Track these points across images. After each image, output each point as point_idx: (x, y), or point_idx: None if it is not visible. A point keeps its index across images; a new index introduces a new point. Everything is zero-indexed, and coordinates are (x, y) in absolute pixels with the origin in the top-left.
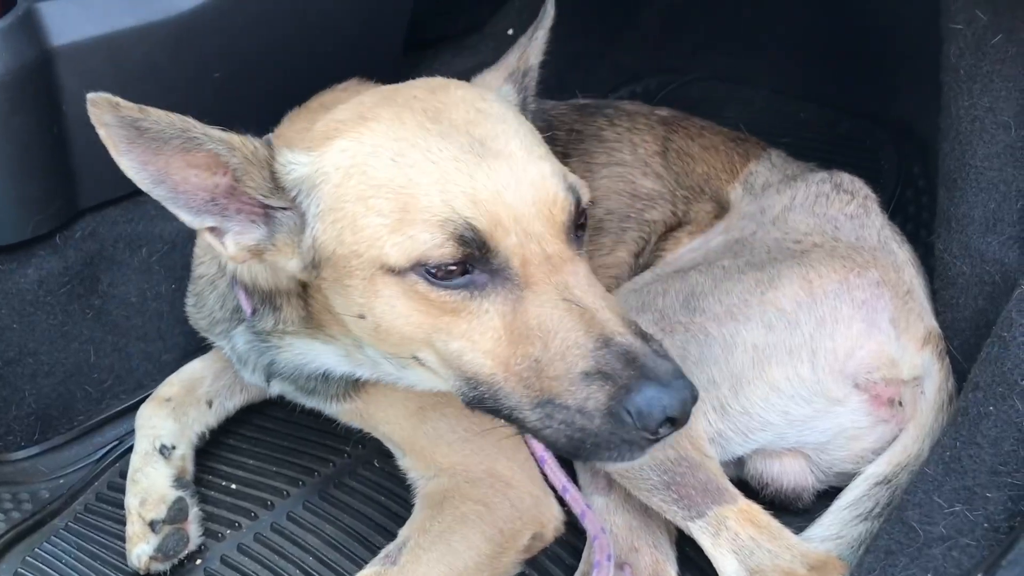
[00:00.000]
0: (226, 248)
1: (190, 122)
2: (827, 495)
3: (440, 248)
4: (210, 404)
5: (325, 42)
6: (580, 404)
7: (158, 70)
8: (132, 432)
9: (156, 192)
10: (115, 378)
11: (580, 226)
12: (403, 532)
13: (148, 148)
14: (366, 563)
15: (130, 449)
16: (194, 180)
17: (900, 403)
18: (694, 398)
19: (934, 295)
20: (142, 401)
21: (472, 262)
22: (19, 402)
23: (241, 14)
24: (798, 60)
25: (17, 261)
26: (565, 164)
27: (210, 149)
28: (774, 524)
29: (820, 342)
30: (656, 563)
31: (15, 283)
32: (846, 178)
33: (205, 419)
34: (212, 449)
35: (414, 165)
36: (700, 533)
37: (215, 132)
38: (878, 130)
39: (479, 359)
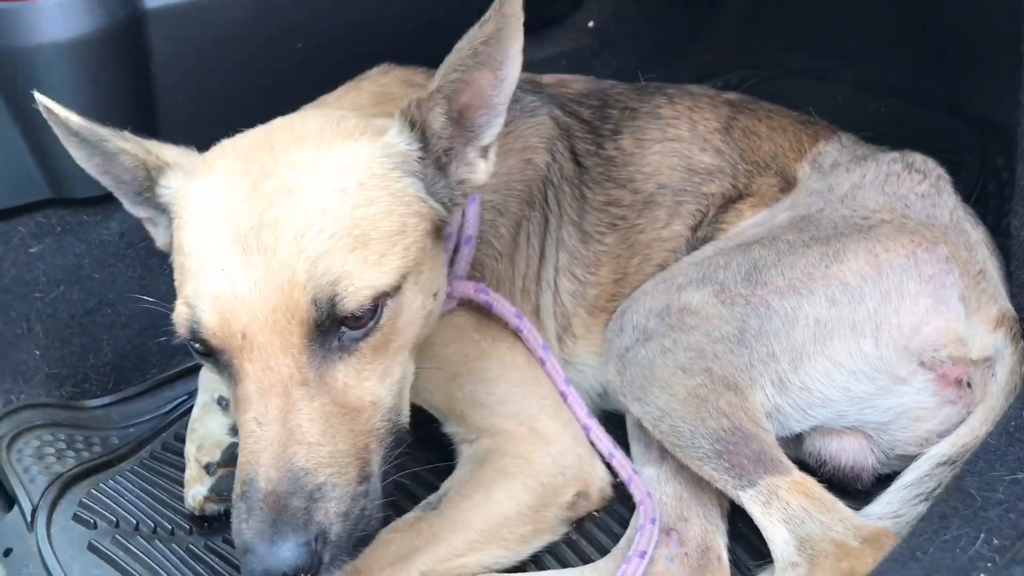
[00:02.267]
0: (157, 238)
1: (102, 133)
2: (886, 480)
3: (181, 327)
4: None
5: (404, 23)
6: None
7: (243, 37)
8: None
9: (103, 180)
10: None
11: (355, 325)
12: (444, 484)
13: (85, 145)
14: None
15: None
16: (130, 174)
17: (968, 384)
18: (286, 573)
19: (1010, 277)
20: None
21: (209, 350)
22: (97, 351)
23: None
24: (879, 55)
25: (101, 214)
26: (614, 140)
27: (121, 160)
28: (827, 496)
29: (885, 317)
30: (705, 533)
31: (98, 234)
32: (918, 158)
33: None
34: None
35: (196, 241)
36: (751, 502)
37: (124, 144)
38: (960, 124)
39: None
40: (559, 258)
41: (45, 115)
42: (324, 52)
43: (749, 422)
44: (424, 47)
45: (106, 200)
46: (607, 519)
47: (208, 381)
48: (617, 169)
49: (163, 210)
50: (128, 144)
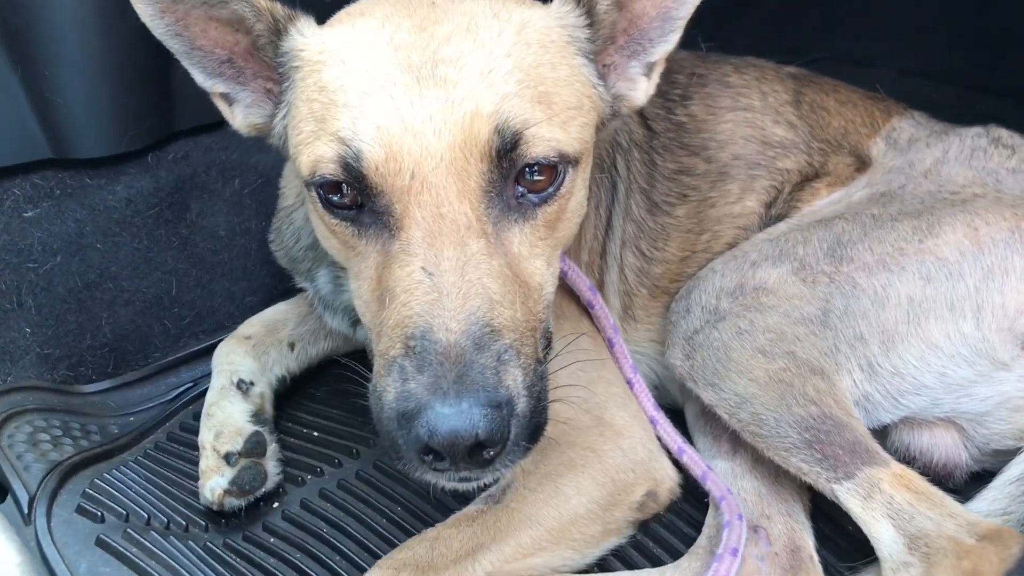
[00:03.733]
0: (234, 118)
1: None
2: (978, 479)
3: (327, 164)
4: (292, 347)
5: None
6: (381, 391)
7: None
8: (208, 375)
9: (172, 44)
10: (195, 315)
11: (533, 186)
12: (506, 475)
13: None
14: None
15: (205, 392)
16: (214, 35)
17: None
18: (478, 436)
19: None
20: (220, 343)
21: (362, 196)
22: (95, 331)
23: None
24: (927, 39)
25: (107, 177)
26: (684, 106)
27: (233, 9)
28: (934, 490)
29: (987, 296)
30: (791, 531)
31: (103, 199)
32: (1004, 132)
33: (286, 362)
34: (293, 397)
35: (352, 73)
36: (848, 496)
37: None
38: (1020, 109)
39: (360, 305)
40: (626, 230)
41: None
42: None
43: (839, 409)
44: None
45: (113, 162)
46: (674, 519)
47: (225, 363)
48: (689, 136)
49: (270, 70)
50: None
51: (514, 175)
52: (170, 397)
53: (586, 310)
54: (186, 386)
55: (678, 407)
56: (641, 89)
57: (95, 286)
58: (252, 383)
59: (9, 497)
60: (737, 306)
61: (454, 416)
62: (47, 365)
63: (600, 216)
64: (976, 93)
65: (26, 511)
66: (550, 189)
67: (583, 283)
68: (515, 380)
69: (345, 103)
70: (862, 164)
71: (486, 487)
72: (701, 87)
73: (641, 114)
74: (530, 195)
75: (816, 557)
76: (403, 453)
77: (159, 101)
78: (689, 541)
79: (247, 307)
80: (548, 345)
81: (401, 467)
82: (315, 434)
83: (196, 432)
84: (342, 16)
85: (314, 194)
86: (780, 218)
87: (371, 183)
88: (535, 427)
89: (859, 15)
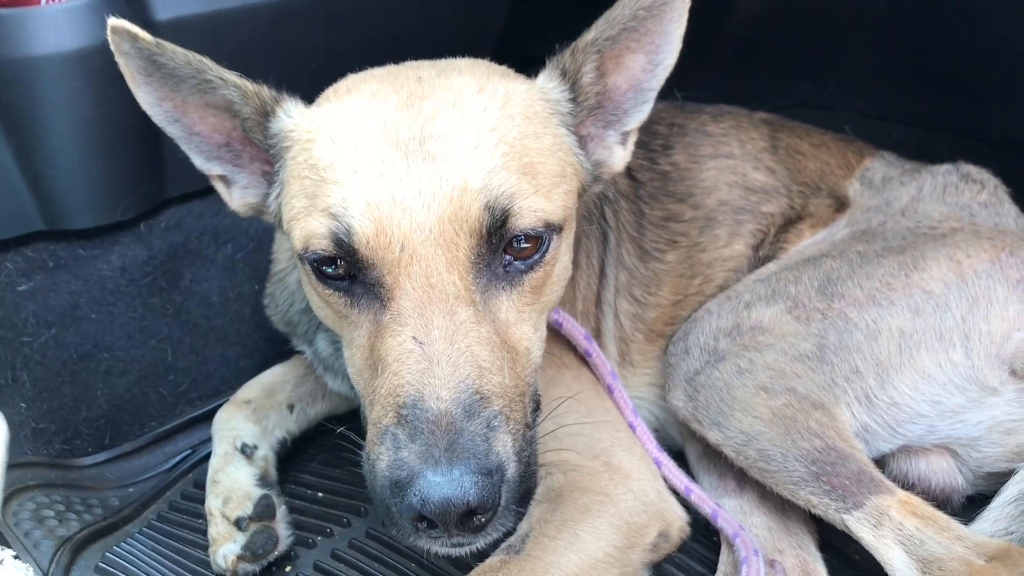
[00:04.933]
0: (231, 199)
1: (206, 63)
2: (972, 503)
3: (319, 240)
4: (291, 409)
5: (416, 47)
6: (374, 459)
7: (256, 54)
8: (206, 441)
9: (171, 130)
10: (191, 382)
11: (520, 254)
12: (522, 526)
13: (165, 84)
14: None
15: (204, 459)
16: (211, 121)
17: None
18: (469, 504)
19: None
20: (217, 409)
21: (353, 268)
22: (90, 402)
23: (341, 7)
24: (886, 82)
25: (100, 247)
26: (666, 156)
27: (223, 94)
28: (939, 515)
29: (973, 325)
30: (804, 563)
31: (97, 269)
32: (972, 169)
33: (286, 424)
34: (295, 459)
35: (342, 150)
36: (858, 525)
37: (230, 76)
38: (981, 148)
39: (354, 373)
40: (618, 278)
41: (117, 41)
42: (341, 72)
43: (842, 441)
44: None
45: (106, 231)
46: (685, 559)
47: (226, 428)
48: (674, 184)
49: (263, 152)
50: (236, 76)
51: (502, 246)
52: (168, 466)
53: (584, 359)
54: (184, 454)
55: (679, 448)
56: (619, 156)
57: (90, 357)
58: (256, 447)
59: None
60: (736, 346)
61: (446, 484)
62: (43, 440)
63: (592, 265)
64: (936, 133)
65: None
66: (536, 256)
67: (579, 333)
68: (504, 446)
69: (335, 180)
70: (840, 205)
71: (480, 552)
72: (682, 137)
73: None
74: (516, 263)
75: None
76: (397, 520)
77: (151, 169)
78: None
79: (242, 371)
80: (536, 408)
81: (395, 533)
82: (320, 495)
83: (198, 500)
84: (329, 94)
85: (308, 267)
86: (768, 259)
87: (362, 257)
88: (525, 491)
89: (815, 61)
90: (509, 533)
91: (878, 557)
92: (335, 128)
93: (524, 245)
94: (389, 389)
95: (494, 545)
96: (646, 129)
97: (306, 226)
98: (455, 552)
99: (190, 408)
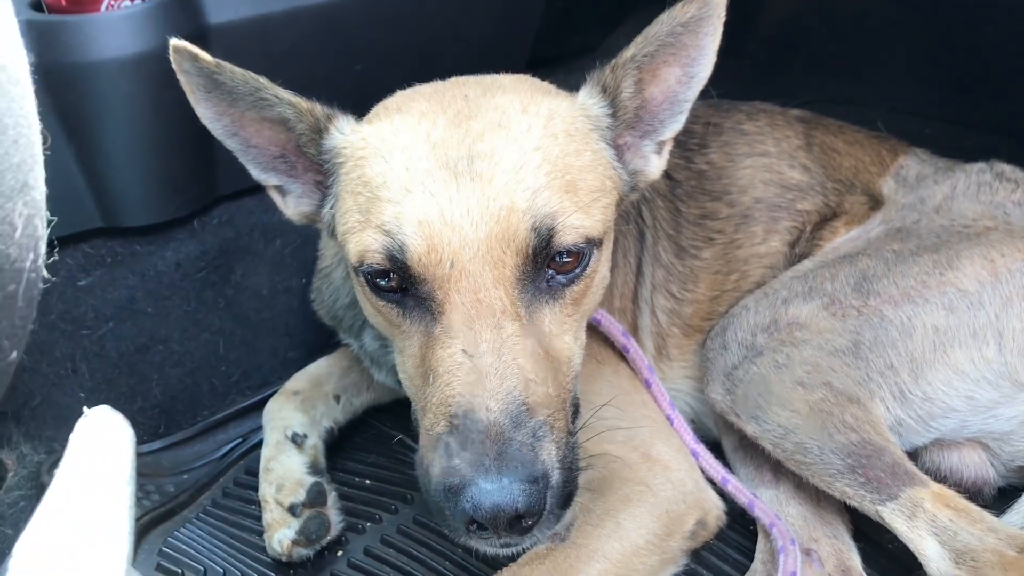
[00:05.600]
0: (287, 208)
1: (262, 82)
2: (1004, 495)
3: (374, 255)
4: (337, 399)
5: (457, 49)
6: (428, 464)
7: (304, 57)
8: (256, 429)
9: (229, 143)
10: (242, 373)
11: (562, 268)
12: (566, 515)
13: (223, 100)
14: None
15: (255, 447)
16: (267, 134)
17: None
18: (518, 510)
19: None
20: (266, 399)
21: (406, 282)
22: (145, 393)
23: (385, 10)
24: (916, 78)
25: (156, 244)
26: (703, 154)
27: (278, 111)
28: (972, 507)
29: (1007, 322)
30: (840, 553)
31: (153, 265)
32: (1007, 167)
33: (333, 414)
34: (342, 448)
35: (394, 169)
36: (893, 517)
37: (284, 95)
38: (1010, 144)
39: (405, 380)
40: (655, 274)
41: (179, 60)
42: (385, 72)
43: (877, 435)
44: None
45: (161, 228)
46: (723, 547)
47: (277, 418)
48: (710, 182)
49: (316, 166)
50: (291, 95)
51: (546, 263)
52: (221, 454)
53: (622, 355)
54: (235, 442)
55: (715, 439)
56: (654, 165)
57: (146, 349)
58: (305, 435)
59: None
60: (773, 341)
61: (496, 492)
62: None
63: (630, 264)
64: (965, 129)
65: None
66: (577, 270)
67: (616, 329)
68: (549, 455)
69: (388, 198)
70: (875, 202)
71: (524, 551)
72: (717, 136)
73: None
74: (559, 277)
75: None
76: (450, 522)
77: (203, 168)
78: (740, 567)
79: (290, 362)
80: (576, 413)
81: (448, 533)
82: (367, 482)
83: (251, 487)
84: (380, 111)
85: (362, 279)
86: (804, 256)
87: (414, 272)
88: (567, 495)
89: (845, 58)
90: None
91: (912, 548)
92: (386, 147)
93: (566, 260)
94: (441, 399)
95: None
96: (682, 129)
97: (360, 241)
98: (503, 552)
99: (241, 398)
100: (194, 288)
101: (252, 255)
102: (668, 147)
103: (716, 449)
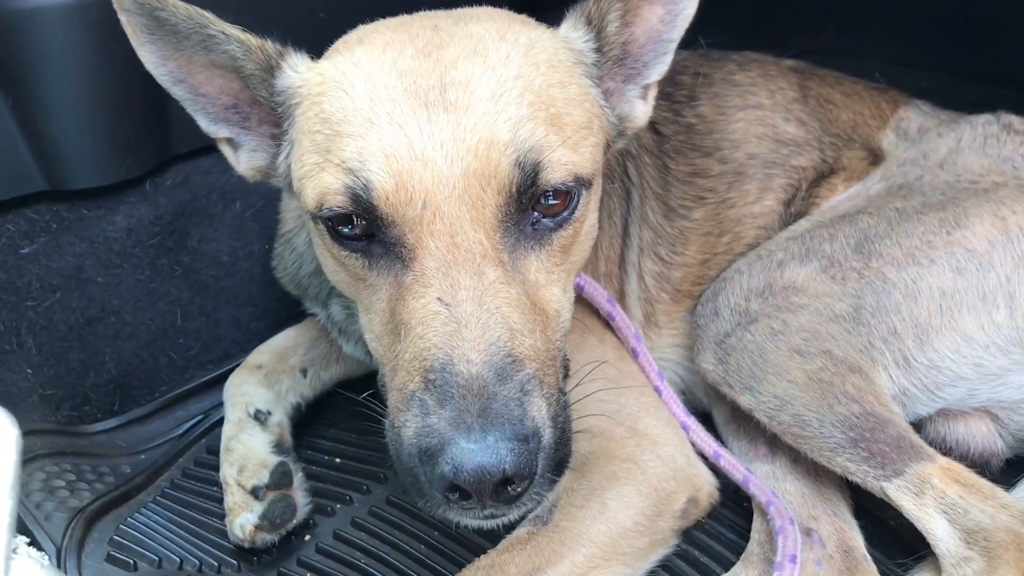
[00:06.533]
0: (239, 163)
1: (208, 17)
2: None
3: (335, 196)
4: (304, 373)
5: None
6: (400, 427)
7: (263, 5)
8: (218, 406)
9: (176, 91)
10: (202, 345)
11: (548, 211)
12: (556, 486)
13: (168, 42)
14: (506, 532)
15: (217, 424)
16: (218, 82)
17: None
18: (506, 472)
19: None
20: (229, 373)
21: (372, 227)
22: (98, 368)
23: None
24: (913, 29)
25: (105, 208)
26: (692, 107)
27: (227, 50)
28: (983, 483)
29: (1018, 284)
30: (841, 531)
31: (102, 231)
32: (1015, 119)
33: (300, 389)
34: (310, 425)
35: (357, 101)
36: (899, 493)
37: (232, 31)
38: (1013, 94)
39: (372, 340)
40: (643, 237)
41: None
42: (347, 24)
43: (880, 406)
44: None
45: (110, 191)
46: (716, 525)
47: (238, 394)
48: (700, 137)
49: (270, 111)
50: (239, 30)
51: (531, 203)
52: (180, 432)
53: (607, 323)
54: (196, 419)
55: (705, 410)
56: (640, 111)
57: (97, 321)
58: (269, 412)
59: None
60: (768, 307)
61: (480, 451)
62: (51, 406)
63: (615, 225)
64: (965, 81)
65: (55, 564)
66: (565, 213)
67: (600, 296)
68: (540, 411)
69: (350, 133)
70: (875, 157)
71: (510, 525)
72: (707, 87)
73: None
74: (545, 220)
75: (868, 557)
76: (425, 491)
77: (155, 125)
78: (734, 547)
79: (254, 333)
80: (566, 373)
81: (423, 505)
82: (337, 460)
83: (212, 467)
84: (339, 46)
85: (321, 227)
86: (800, 216)
87: (381, 213)
88: (561, 459)
89: (842, 7)
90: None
91: (919, 527)
92: (348, 79)
93: (553, 202)
94: (414, 353)
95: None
96: (670, 79)
97: (320, 182)
98: (487, 524)
99: (201, 372)
100: (147, 255)
101: (210, 219)
102: (653, 92)
103: (707, 422)
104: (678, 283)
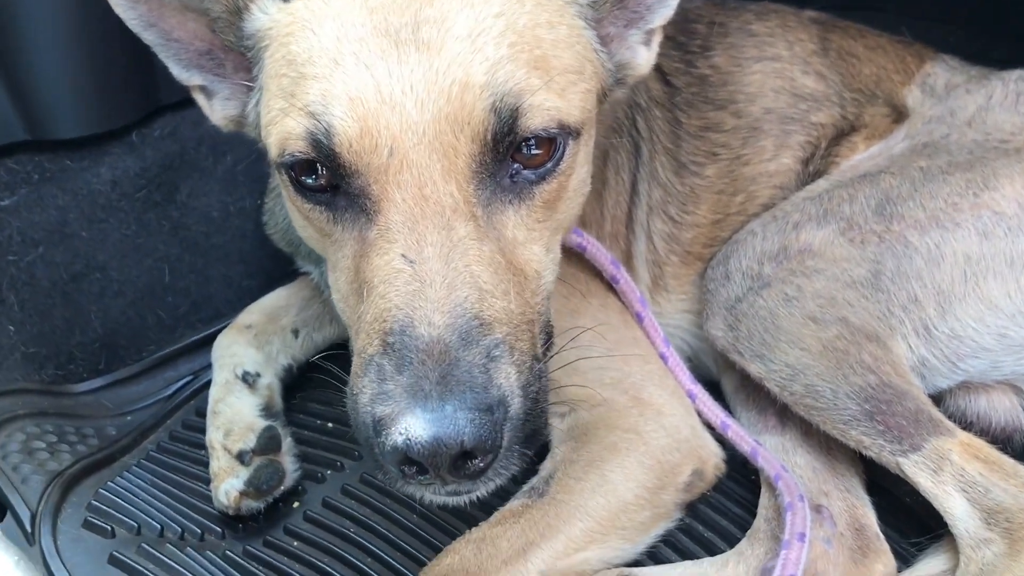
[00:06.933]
0: (212, 112)
1: None
2: None
3: (296, 141)
4: (296, 334)
5: None
6: (356, 393)
7: None
8: (208, 367)
9: (146, 36)
10: (191, 304)
11: (530, 162)
12: (545, 466)
13: None
14: (501, 503)
15: (206, 386)
16: (191, 27)
17: None
18: (464, 444)
19: None
20: (219, 332)
21: (336, 177)
22: (83, 326)
23: None
24: None
25: (89, 159)
26: (706, 58)
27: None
28: (1006, 459)
29: None
30: (853, 508)
31: (86, 183)
32: None
33: (291, 350)
34: (302, 388)
35: (323, 41)
36: (915, 470)
37: None
38: None
39: (339, 300)
40: (652, 195)
41: None
42: None
43: (898, 377)
44: None
45: (95, 141)
46: (721, 499)
47: (226, 355)
48: (714, 90)
49: (240, 55)
50: None
51: (509, 152)
52: (169, 393)
53: (611, 286)
54: (185, 380)
55: (714, 378)
56: (643, 58)
57: (82, 277)
58: (258, 375)
59: (8, 514)
60: (782, 271)
61: (436, 421)
62: (34, 365)
63: (623, 181)
64: (991, 37)
65: (29, 529)
66: (548, 164)
67: (604, 257)
68: (508, 378)
69: (315, 74)
70: (898, 114)
71: (480, 500)
72: (723, 37)
73: (659, 69)
74: (526, 172)
75: (881, 535)
76: (381, 463)
77: (141, 72)
78: (739, 521)
79: (245, 292)
80: (549, 340)
81: (382, 478)
82: (329, 425)
83: (200, 430)
84: None
85: (285, 176)
86: (818, 175)
87: (344, 161)
88: (532, 431)
89: None
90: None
91: (937, 505)
92: (317, 17)
93: (535, 152)
94: (375, 314)
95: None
96: (683, 28)
97: (283, 128)
98: (451, 501)
99: (191, 331)
100: (134, 209)
101: (200, 172)
102: (658, 37)
103: (715, 390)
104: (688, 244)
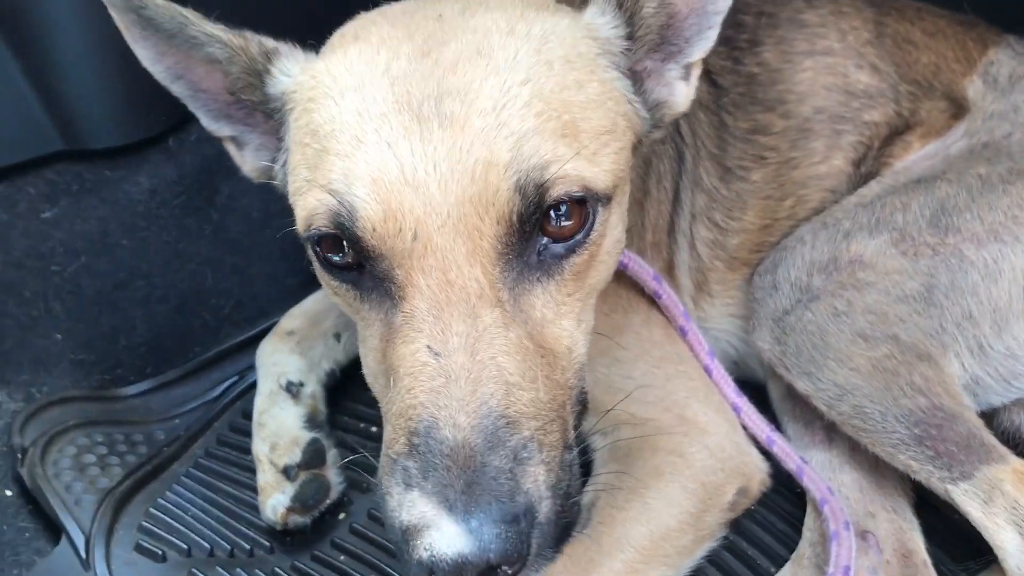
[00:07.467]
0: (244, 163)
1: (188, 17)
2: None
3: (320, 219)
4: (338, 337)
5: None
6: (384, 492)
7: None
8: (253, 367)
9: (175, 88)
10: (235, 304)
11: (559, 233)
12: (587, 493)
13: (160, 39)
14: None
15: (253, 386)
16: (218, 77)
17: None
18: (490, 561)
19: None
20: (265, 332)
21: (361, 257)
22: (129, 331)
23: None
24: None
25: (127, 168)
26: (754, 54)
27: (208, 52)
28: None
29: None
30: (900, 532)
31: (125, 193)
32: None
33: (334, 354)
34: (346, 391)
35: (344, 113)
36: (965, 499)
37: (212, 30)
38: None
39: (369, 378)
40: (695, 202)
41: None
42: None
43: (949, 399)
44: None
45: (132, 150)
46: (764, 512)
47: (270, 364)
48: (763, 89)
49: (266, 113)
50: (221, 31)
51: (536, 230)
52: (216, 394)
53: (653, 300)
54: (231, 380)
55: (759, 382)
56: (681, 94)
57: (125, 285)
58: (302, 383)
59: (64, 538)
60: (832, 283)
61: (461, 538)
62: (82, 372)
63: (665, 190)
64: None
65: (84, 555)
66: (579, 236)
67: (647, 274)
68: (536, 481)
69: (337, 151)
70: (958, 109)
71: None
72: (772, 29)
73: (705, 69)
74: (554, 246)
75: (930, 562)
76: (409, 568)
77: None
78: (784, 538)
79: (290, 290)
80: (583, 408)
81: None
82: (373, 429)
83: (246, 433)
84: (335, 42)
85: (311, 252)
86: (870, 176)
87: (368, 245)
88: (561, 531)
89: None
90: None
91: (987, 537)
92: (338, 86)
93: (565, 223)
94: (400, 409)
95: None
96: (730, 20)
97: (307, 203)
98: None
99: (236, 332)
100: (173, 216)
101: (239, 174)
102: (697, 71)
103: (761, 393)
104: (734, 250)
